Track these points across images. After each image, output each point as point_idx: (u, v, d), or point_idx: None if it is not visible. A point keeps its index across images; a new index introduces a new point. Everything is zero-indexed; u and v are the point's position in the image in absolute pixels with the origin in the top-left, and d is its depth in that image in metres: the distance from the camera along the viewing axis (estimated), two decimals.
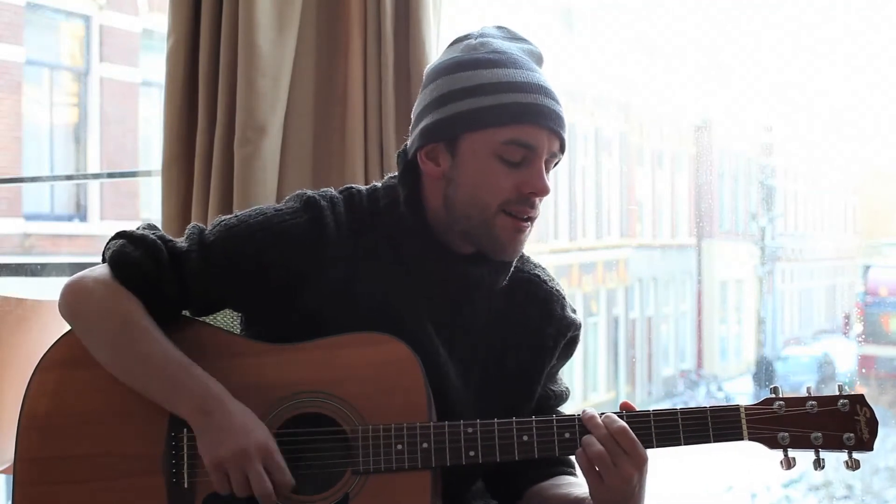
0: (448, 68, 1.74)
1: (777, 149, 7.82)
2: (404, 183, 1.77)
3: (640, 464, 1.63)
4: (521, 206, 1.70)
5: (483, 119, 1.69)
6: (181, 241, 1.77)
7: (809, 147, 7.91)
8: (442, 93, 1.73)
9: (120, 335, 1.70)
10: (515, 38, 1.79)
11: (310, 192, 1.78)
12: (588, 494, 1.69)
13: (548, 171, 1.73)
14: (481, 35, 1.77)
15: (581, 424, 1.66)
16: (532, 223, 1.73)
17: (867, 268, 6.25)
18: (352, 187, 1.82)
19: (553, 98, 1.71)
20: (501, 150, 1.69)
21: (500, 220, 1.70)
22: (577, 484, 1.79)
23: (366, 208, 1.78)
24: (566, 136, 1.73)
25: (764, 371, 7.60)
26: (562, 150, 1.74)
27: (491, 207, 1.70)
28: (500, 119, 1.68)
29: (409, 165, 1.77)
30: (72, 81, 10.24)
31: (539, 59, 1.77)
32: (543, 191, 1.70)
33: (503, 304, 1.81)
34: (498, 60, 1.71)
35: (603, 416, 1.66)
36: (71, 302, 1.75)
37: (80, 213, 10.03)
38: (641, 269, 9.03)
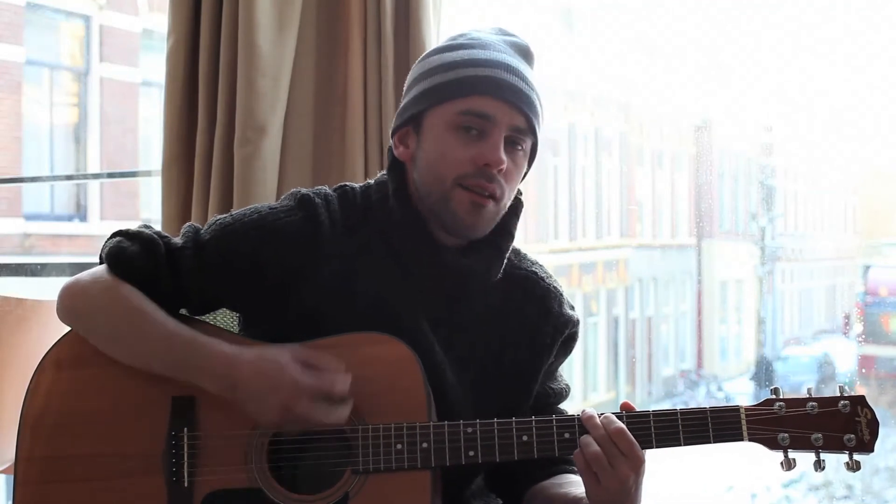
0: (424, 56, 1.79)
1: (777, 149, 7.82)
2: (392, 176, 1.78)
3: (637, 465, 1.63)
4: (477, 180, 1.69)
5: (440, 93, 1.71)
6: (177, 239, 1.77)
7: (809, 147, 7.91)
8: (412, 77, 1.78)
9: (123, 323, 1.71)
10: (504, 33, 1.81)
11: (304, 191, 1.78)
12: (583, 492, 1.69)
13: (514, 149, 1.72)
14: (470, 30, 1.79)
15: (580, 425, 1.66)
16: (497, 202, 1.71)
17: (867, 268, 6.25)
18: (346, 185, 1.83)
19: (518, 76, 1.71)
20: (457, 121, 1.69)
21: (457, 194, 1.70)
22: (577, 483, 1.79)
23: (359, 205, 1.79)
24: (533, 114, 1.72)
25: (764, 371, 7.60)
26: (531, 130, 1.73)
27: (446, 181, 1.70)
28: (454, 92, 1.70)
29: (395, 158, 1.79)
30: (72, 81, 10.24)
31: (523, 52, 1.78)
32: (497, 162, 1.69)
33: (500, 302, 1.81)
34: (466, 44, 1.74)
35: (602, 416, 1.66)
36: (69, 304, 1.76)
37: (80, 213, 10.02)
38: (641, 269, 9.03)
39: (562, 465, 1.85)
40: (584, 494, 1.70)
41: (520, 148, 1.73)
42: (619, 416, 1.66)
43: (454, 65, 1.72)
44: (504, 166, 1.69)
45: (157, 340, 1.69)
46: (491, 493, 1.89)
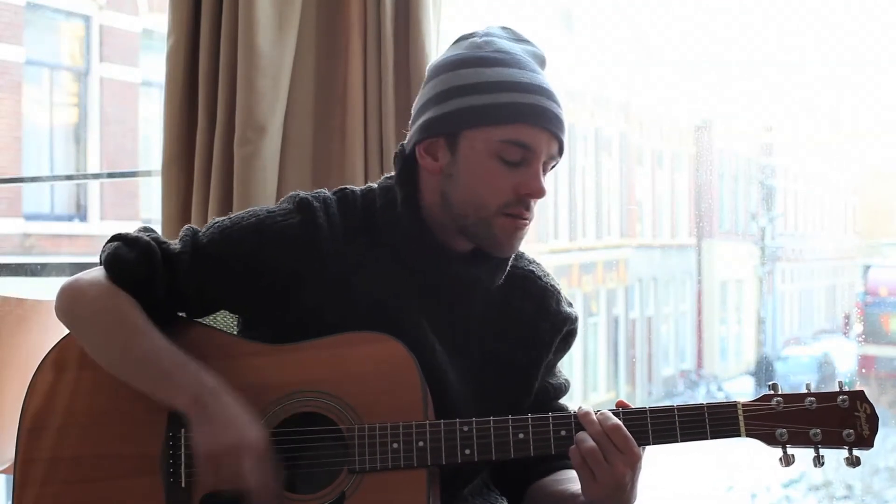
0: (451, 65, 1.74)
1: (777, 149, 7.82)
2: (402, 183, 1.77)
3: (634, 462, 1.63)
4: (518, 208, 1.71)
5: (483, 116, 1.69)
6: (175, 243, 1.77)
7: (809, 147, 7.91)
8: (444, 88, 1.73)
9: (114, 332, 1.71)
10: (520, 39, 1.80)
11: (303, 194, 1.78)
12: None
13: (545, 173, 1.74)
14: (486, 34, 1.77)
15: (577, 422, 1.66)
16: (529, 222, 1.74)
17: (867, 268, 6.26)
18: (346, 188, 1.82)
19: (554, 101, 1.72)
20: (500, 150, 1.69)
21: (500, 221, 1.71)
22: (576, 479, 1.79)
23: (360, 209, 1.79)
24: (565, 139, 1.74)
25: (764, 370, 7.60)
26: (560, 152, 1.74)
27: (489, 208, 1.71)
28: (499, 117, 1.68)
29: (406, 163, 1.77)
30: (72, 81, 10.24)
31: (542, 62, 1.78)
32: (539, 193, 1.70)
33: (499, 301, 1.81)
34: (501, 60, 1.72)
35: (598, 413, 1.66)
36: (66, 305, 1.76)
37: (80, 213, 10.03)
38: (641, 269, 9.03)
39: (562, 461, 1.85)
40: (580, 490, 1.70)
41: (549, 170, 1.75)
42: (616, 413, 1.66)
43: (496, 86, 1.69)
44: (544, 195, 1.71)
45: (143, 357, 1.69)
46: (492, 491, 1.89)
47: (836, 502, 5.35)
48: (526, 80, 1.71)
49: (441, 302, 1.77)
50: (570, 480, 1.79)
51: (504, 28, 1.81)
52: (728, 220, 8.68)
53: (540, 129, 1.69)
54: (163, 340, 1.70)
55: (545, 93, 1.71)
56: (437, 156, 1.74)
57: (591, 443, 1.62)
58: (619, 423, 1.63)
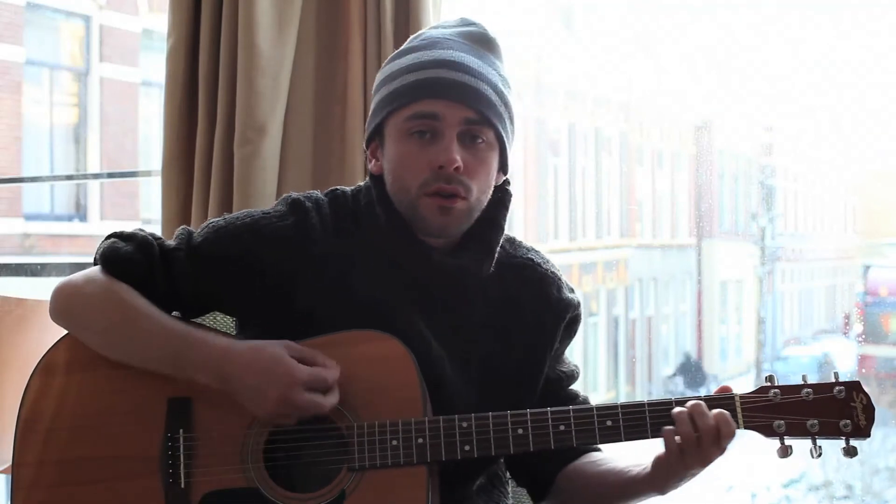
0: (385, 62, 1.80)
1: (777, 149, 7.82)
2: (375, 183, 1.79)
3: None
4: (437, 184, 1.69)
5: (391, 103, 1.72)
6: (171, 242, 1.78)
7: (809, 147, 7.92)
8: (374, 86, 1.79)
9: (117, 320, 1.71)
10: (465, 24, 1.80)
11: (295, 195, 1.79)
12: (630, 466, 1.70)
13: (474, 144, 1.70)
14: (430, 28, 1.81)
15: (575, 417, 1.65)
16: (466, 200, 1.70)
17: (867, 268, 6.26)
18: (337, 189, 1.84)
19: (462, 70, 1.70)
20: (408, 128, 1.71)
21: (423, 202, 1.70)
22: (614, 459, 1.78)
23: (350, 208, 1.79)
24: (481, 105, 1.69)
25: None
26: (485, 120, 1.70)
27: (411, 191, 1.71)
28: (403, 99, 1.71)
29: None
30: (72, 81, 10.24)
31: (479, 40, 1.76)
32: (450, 162, 1.68)
33: (498, 293, 1.80)
34: (419, 46, 1.75)
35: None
36: (62, 303, 1.76)
37: (80, 213, 10.03)
38: (641, 269, 9.03)
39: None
40: (630, 466, 1.70)
41: (480, 140, 1.72)
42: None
43: (402, 71, 1.73)
44: (458, 165, 1.68)
45: (152, 335, 1.70)
46: (496, 488, 1.88)
47: (836, 502, 5.36)
48: (430, 57, 1.71)
49: (436, 298, 1.76)
50: (612, 460, 1.78)
51: (459, 18, 1.82)
52: (728, 220, 8.69)
53: (439, 98, 1.69)
54: (167, 318, 1.71)
55: (448, 64, 1.70)
56: (378, 155, 1.78)
57: (689, 426, 1.61)
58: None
